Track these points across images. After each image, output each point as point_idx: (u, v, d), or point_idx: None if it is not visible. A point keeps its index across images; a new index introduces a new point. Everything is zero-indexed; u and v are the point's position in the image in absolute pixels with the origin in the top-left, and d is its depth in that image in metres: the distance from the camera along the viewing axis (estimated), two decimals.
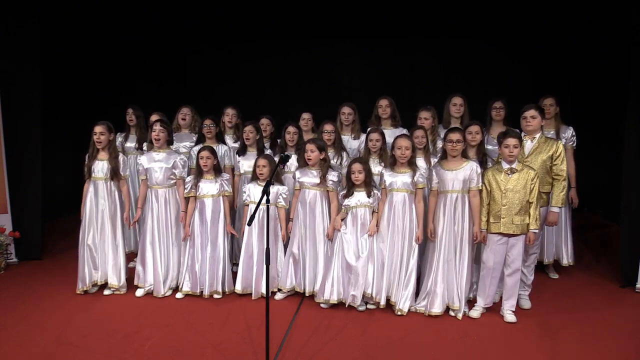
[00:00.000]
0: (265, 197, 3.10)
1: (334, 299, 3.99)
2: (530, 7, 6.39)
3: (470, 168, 3.83)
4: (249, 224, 3.27)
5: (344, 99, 4.89)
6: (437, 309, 3.83)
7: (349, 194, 3.99)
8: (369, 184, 3.97)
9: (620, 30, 5.31)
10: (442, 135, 4.23)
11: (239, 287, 4.24)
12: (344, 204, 4.02)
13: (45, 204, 5.42)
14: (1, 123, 5.06)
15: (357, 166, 3.94)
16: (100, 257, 4.30)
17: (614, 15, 5.58)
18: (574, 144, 4.62)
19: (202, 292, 4.24)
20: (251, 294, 4.23)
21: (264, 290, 4.19)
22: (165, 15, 6.83)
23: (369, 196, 3.95)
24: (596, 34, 6.45)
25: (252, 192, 4.25)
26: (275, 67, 7.51)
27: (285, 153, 3.46)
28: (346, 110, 4.78)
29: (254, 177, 4.29)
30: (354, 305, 3.97)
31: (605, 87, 6.33)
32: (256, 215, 3.16)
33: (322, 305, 4.04)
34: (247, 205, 4.29)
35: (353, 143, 4.76)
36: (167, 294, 4.30)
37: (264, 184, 4.17)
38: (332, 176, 4.13)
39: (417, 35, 7.15)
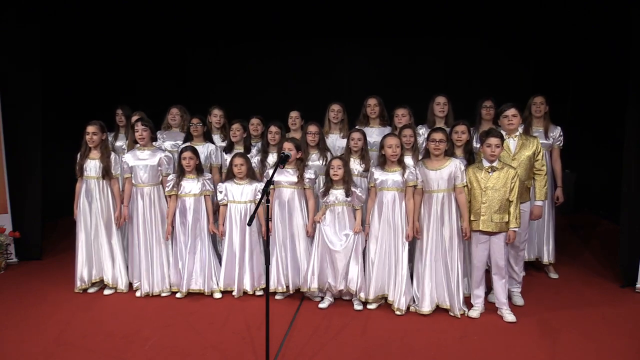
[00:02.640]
0: (265, 197, 3.09)
1: (314, 287, 4.02)
2: (530, 7, 6.40)
3: (454, 165, 3.83)
4: (249, 223, 3.28)
5: (343, 99, 4.87)
6: (425, 308, 3.85)
7: (327, 192, 4.00)
8: (347, 182, 3.97)
9: (620, 31, 5.31)
10: (425, 135, 4.24)
11: (221, 285, 4.27)
12: (322, 201, 4.04)
13: (45, 204, 5.42)
14: (1, 123, 5.06)
15: (336, 162, 3.95)
16: (97, 256, 4.32)
17: (614, 15, 5.59)
18: (561, 144, 4.63)
19: (200, 291, 4.26)
20: (234, 290, 4.26)
21: (247, 288, 4.25)
22: (166, 16, 6.85)
23: (347, 195, 3.95)
24: (596, 34, 6.46)
25: (230, 190, 4.25)
26: (276, 68, 7.52)
27: (285, 153, 3.45)
28: (335, 107, 4.74)
29: (230, 176, 4.29)
30: (331, 291, 4.05)
31: (605, 87, 6.33)
32: (255, 215, 3.15)
33: (320, 306, 4.04)
34: (225, 205, 4.27)
35: (341, 142, 4.67)
36: (165, 293, 4.30)
37: (240, 182, 4.21)
38: (309, 174, 4.15)
39: (417, 35, 7.17)
